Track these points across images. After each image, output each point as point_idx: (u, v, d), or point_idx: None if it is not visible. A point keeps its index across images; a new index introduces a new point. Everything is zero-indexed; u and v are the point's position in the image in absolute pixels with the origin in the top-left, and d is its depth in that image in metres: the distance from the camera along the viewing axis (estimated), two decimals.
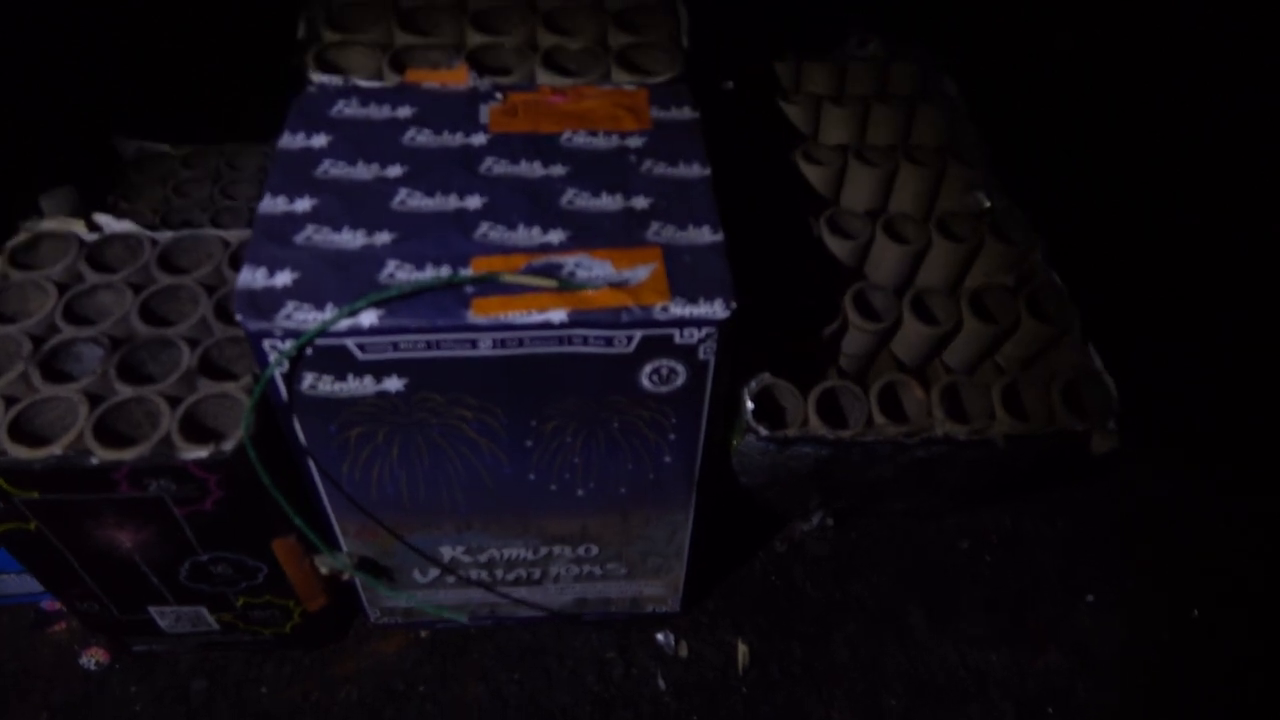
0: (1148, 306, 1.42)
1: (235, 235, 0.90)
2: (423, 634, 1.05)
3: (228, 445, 0.74)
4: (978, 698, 1.01)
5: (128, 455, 0.73)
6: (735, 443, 0.84)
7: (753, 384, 0.82)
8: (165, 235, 0.89)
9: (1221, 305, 1.47)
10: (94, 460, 0.72)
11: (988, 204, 0.97)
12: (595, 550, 0.93)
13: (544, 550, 0.93)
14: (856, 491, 0.98)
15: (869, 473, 0.90)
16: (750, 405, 0.81)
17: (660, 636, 1.05)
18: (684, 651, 1.04)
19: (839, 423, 0.82)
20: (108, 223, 0.89)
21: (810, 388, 0.83)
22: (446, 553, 0.91)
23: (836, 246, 0.93)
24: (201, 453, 0.73)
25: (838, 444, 0.81)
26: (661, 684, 1.01)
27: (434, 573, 0.94)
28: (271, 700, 0.99)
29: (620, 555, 0.94)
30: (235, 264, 0.88)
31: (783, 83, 1.15)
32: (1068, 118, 1.74)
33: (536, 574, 0.96)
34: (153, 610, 0.92)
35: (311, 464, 0.79)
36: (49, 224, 0.88)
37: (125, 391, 0.77)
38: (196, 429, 0.76)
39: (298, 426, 0.75)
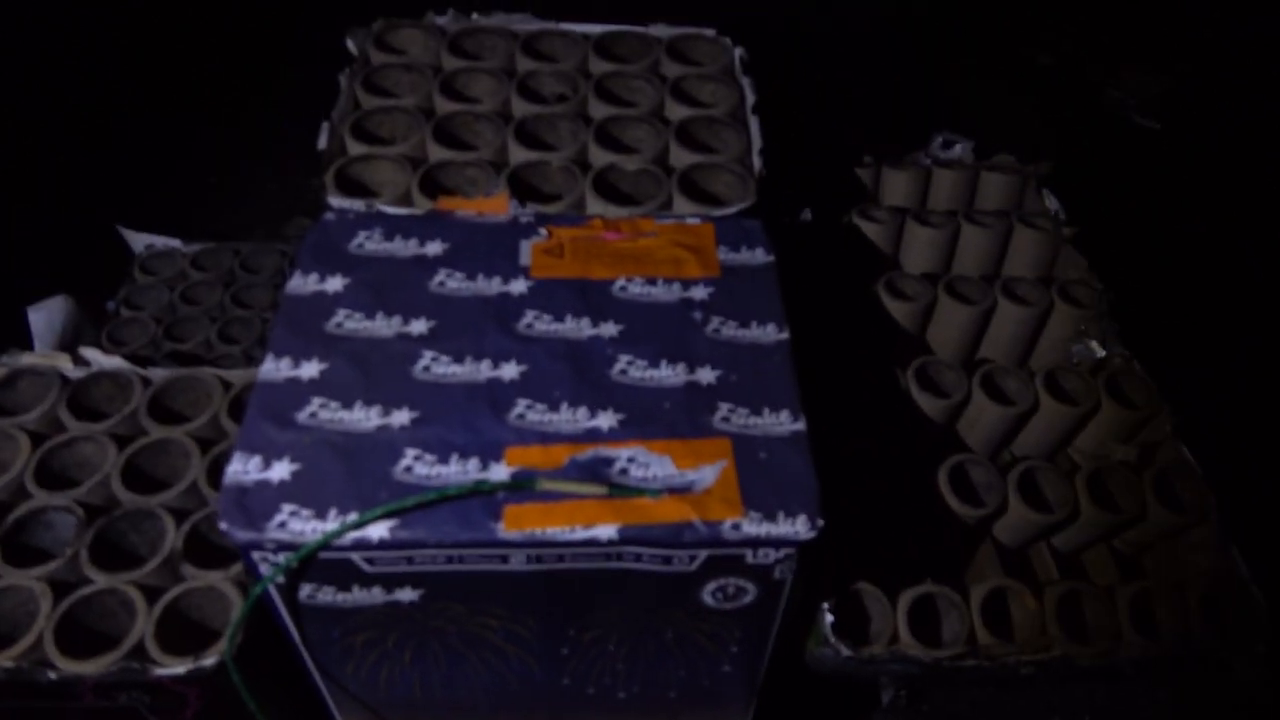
0: None
1: (237, 376, 0.79)
2: None
3: (209, 660, 0.62)
4: None
5: (91, 669, 0.62)
6: (811, 648, 0.71)
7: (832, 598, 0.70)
8: (159, 374, 0.78)
9: None
10: (50, 675, 0.61)
11: (1101, 354, 0.84)
12: None
13: None
14: (944, 694, 0.84)
15: (964, 691, 0.76)
16: (829, 619, 0.68)
17: None
18: None
19: (933, 637, 0.69)
20: (95, 358, 0.79)
21: (899, 589, 0.70)
22: None
23: (927, 405, 0.80)
24: (179, 669, 0.62)
25: (933, 666, 0.68)
26: None
27: None
28: None
29: None
30: (234, 411, 0.77)
31: (863, 195, 1.03)
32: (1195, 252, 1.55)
33: None
34: None
35: (311, 665, 0.68)
36: (29, 358, 0.78)
37: (98, 581, 0.66)
38: (177, 625, 0.65)
39: (294, 633, 0.64)
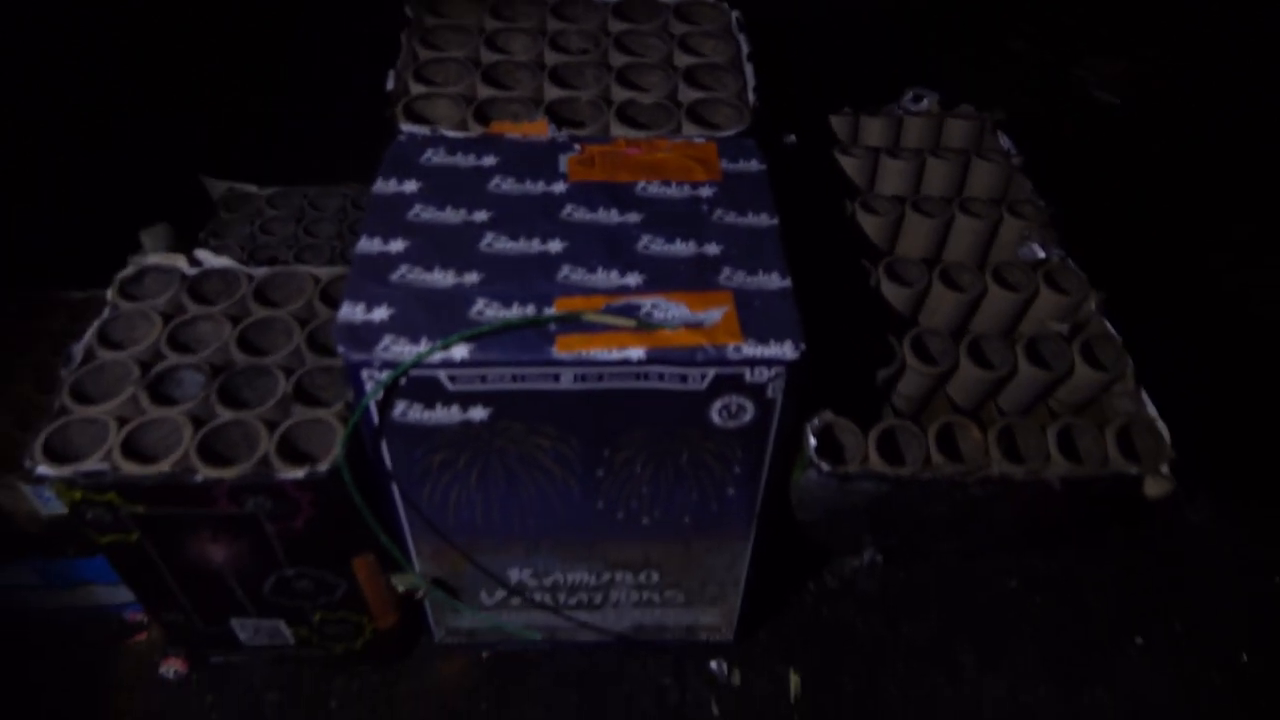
0: (1201, 355, 1.45)
1: (325, 272, 0.96)
2: (484, 655, 1.08)
3: (322, 467, 0.79)
4: None
5: (229, 474, 0.78)
6: (796, 477, 0.88)
7: (815, 421, 0.86)
8: (260, 271, 0.95)
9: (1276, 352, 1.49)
10: (198, 478, 0.78)
11: (1042, 255, 1.01)
12: (656, 577, 0.97)
13: (607, 576, 0.96)
14: (909, 530, 1.00)
15: (924, 511, 0.93)
16: (813, 441, 0.85)
17: (714, 665, 1.08)
18: (736, 680, 1.07)
19: (897, 461, 0.86)
20: (207, 258, 0.96)
21: (870, 427, 0.87)
22: (514, 575, 0.95)
23: (894, 294, 0.97)
24: (298, 473, 0.78)
25: (896, 481, 0.84)
26: (715, 710, 1.04)
27: (500, 594, 0.98)
28: (340, 714, 1.03)
29: (680, 583, 0.98)
30: (325, 299, 0.93)
31: (840, 137, 1.20)
32: (1119, 172, 1.78)
33: (598, 599, 1.00)
34: (234, 623, 0.97)
35: (395, 487, 0.84)
36: (153, 258, 0.95)
37: (225, 415, 0.83)
38: (291, 451, 0.82)
39: (385, 451, 0.80)
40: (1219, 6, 2.08)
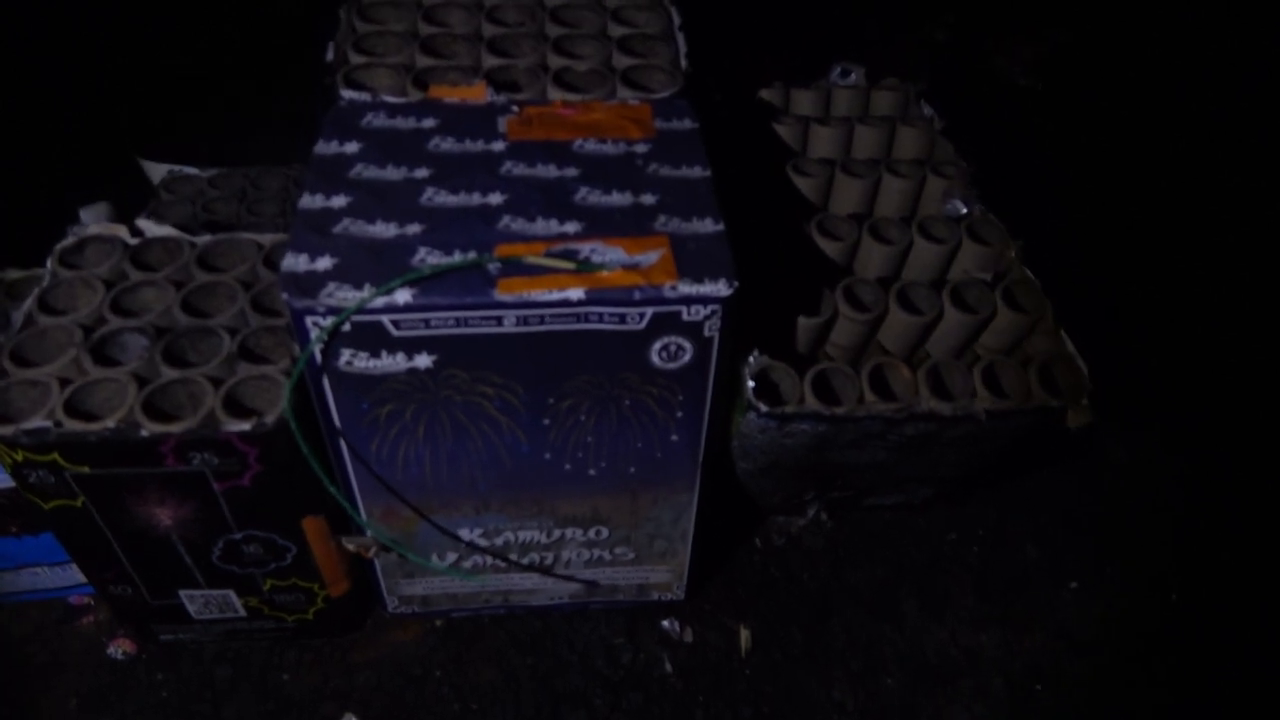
0: (1118, 298, 1.53)
1: (268, 239, 0.97)
2: (438, 623, 1.09)
3: (269, 419, 0.80)
4: (970, 674, 1.06)
5: (175, 428, 0.78)
6: (736, 421, 0.90)
7: (752, 363, 0.89)
8: (203, 238, 0.96)
9: (1189, 292, 1.57)
10: (144, 433, 0.78)
11: (964, 210, 1.05)
12: (605, 533, 0.99)
13: (557, 533, 0.98)
14: (848, 478, 1.04)
15: (861, 455, 0.96)
16: (751, 384, 0.88)
17: (665, 623, 1.10)
18: (689, 637, 1.09)
19: (833, 403, 0.89)
20: (149, 227, 0.96)
21: (805, 371, 0.90)
22: (465, 535, 0.97)
23: (826, 247, 1.01)
24: (245, 425, 0.79)
25: (832, 419, 0.87)
26: (668, 667, 1.06)
27: (451, 556, 0.99)
28: (293, 686, 1.03)
29: (629, 539, 1.00)
30: (269, 264, 0.94)
31: (774, 106, 1.24)
32: (1036, 136, 1.86)
33: (549, 558, 1.01)
34: (183, 594, 0.97)
35: (342, 442, 0.85)
36: (95, 228, 0.95)
37: (170, 374, 0.83)
38: (237, 408, 0.82)
39: (331, 403, 0.81)
40: None
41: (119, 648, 1.05)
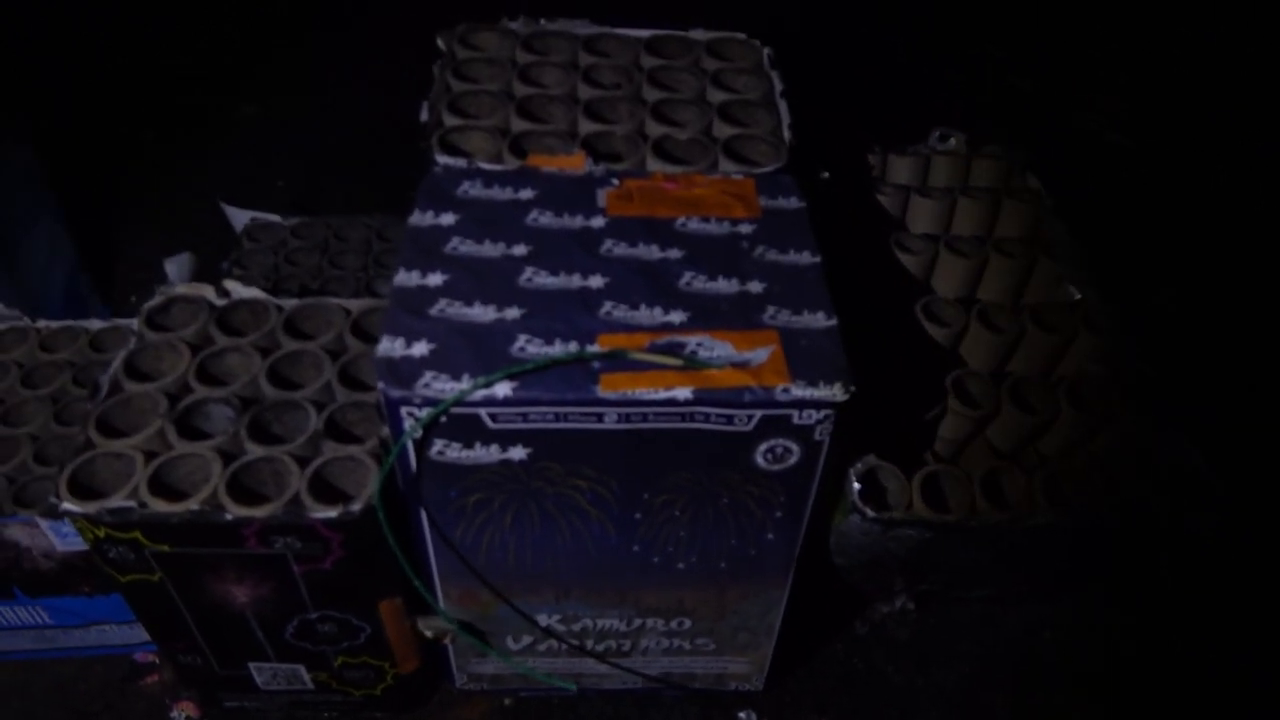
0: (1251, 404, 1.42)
1: (356, 304, 0.94)
2: (506, 701, 1.05)
3: (356, 506, 0.76)
4: None
5: (260, 513, 0.76)
6: (837, 521, 0.86)
7: (859, 465, 0.84)
8: (290, 302, 0.93)
9: None
10: (228, 516, 0.75)
11: (1077, 296, 0.99)
12: (688, 624, 0.94)
13: (637, 622, 0.94)
14: (944, 575, 0.98)
15: (962, 556, 0.91)
16: (857, 486, 0.83)
17: (742, 715, 1.05)
18: None
19: (940, 507, 0.84)
20: (235, 288, 0.94)
21: (912, 471, 0.85)
22: (542, 620, 0.93)
23: (934, 333, 0.96)
24: (331, 512, 0.76)
25: (941, 528, 0.82)
26: None
27: (527, 640, 0.95)
28: None
29: (712, 630, 0.95)
30: (357, 331, 0.92)
31: (872, 174, 1.20)
32: (1141, 208, 1.78)
33: (626, 645, 0.97)
34: (252, 666, 0.94)
35: (427, 526, 0.82)
36: (181, 288, 0.93)
37: (256, 451, 0.81)
38: (322, 489, 0.79)
39: (421, 490, 0.78)
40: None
41: (182, 711, 1.03)
